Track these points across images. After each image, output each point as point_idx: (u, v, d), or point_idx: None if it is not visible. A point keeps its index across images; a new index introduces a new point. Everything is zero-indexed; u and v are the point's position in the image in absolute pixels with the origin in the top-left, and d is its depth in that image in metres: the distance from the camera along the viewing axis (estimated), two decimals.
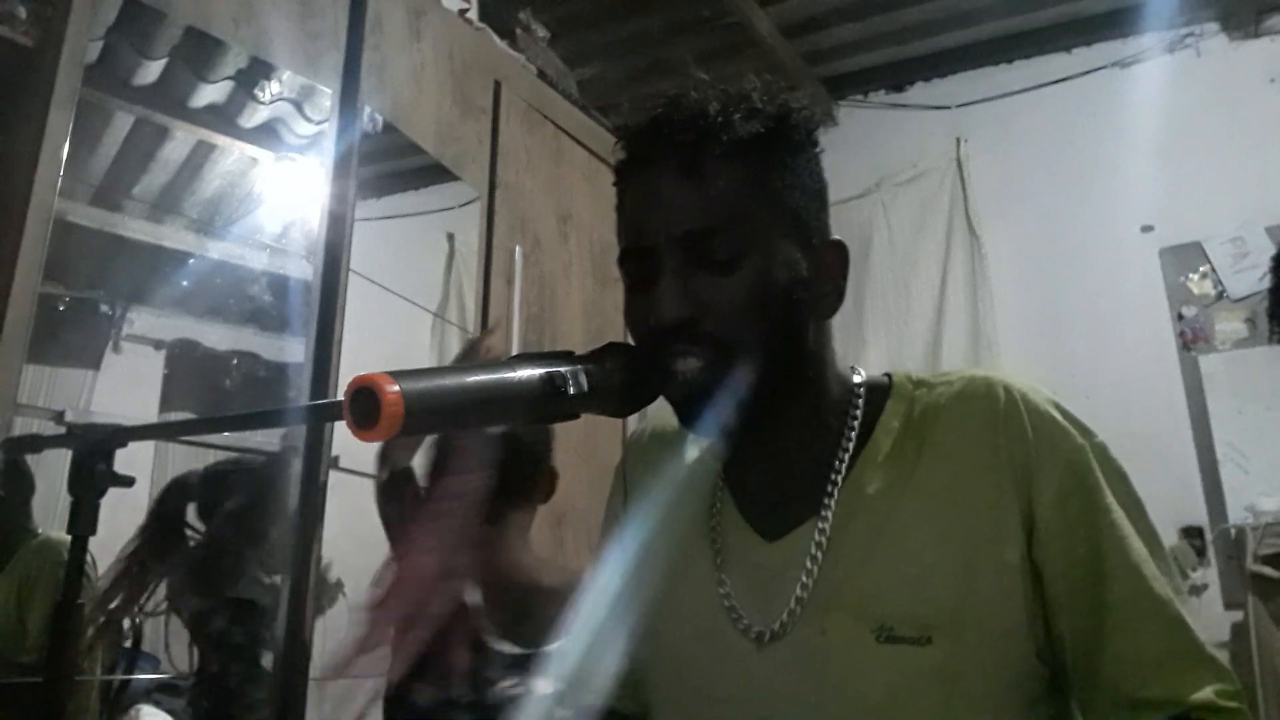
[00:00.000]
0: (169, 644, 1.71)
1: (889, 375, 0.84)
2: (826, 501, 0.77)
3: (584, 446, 2.54)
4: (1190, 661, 0.70)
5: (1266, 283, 2.84)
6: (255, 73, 1.87)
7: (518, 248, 2.41)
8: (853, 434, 0.80)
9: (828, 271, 0.79)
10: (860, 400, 0.81)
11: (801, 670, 0.74)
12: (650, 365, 0.73)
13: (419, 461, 1.43)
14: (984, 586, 0.71)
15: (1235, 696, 0.69)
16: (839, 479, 0.78)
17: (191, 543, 1.70)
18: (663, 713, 0.85)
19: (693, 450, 0.91)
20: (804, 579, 0.75)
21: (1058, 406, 0.77)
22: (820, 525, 0.76)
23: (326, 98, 1.94)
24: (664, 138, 0.75)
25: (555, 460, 1.54)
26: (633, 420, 3.04)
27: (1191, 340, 3.01)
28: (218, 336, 1.95)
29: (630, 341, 0.77)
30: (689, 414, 0.75)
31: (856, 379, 0.83)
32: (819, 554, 0.75)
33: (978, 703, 0.70)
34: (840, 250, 0.80)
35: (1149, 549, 0.72)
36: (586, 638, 0.88)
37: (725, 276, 0.73)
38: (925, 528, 0.74)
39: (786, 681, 0.74)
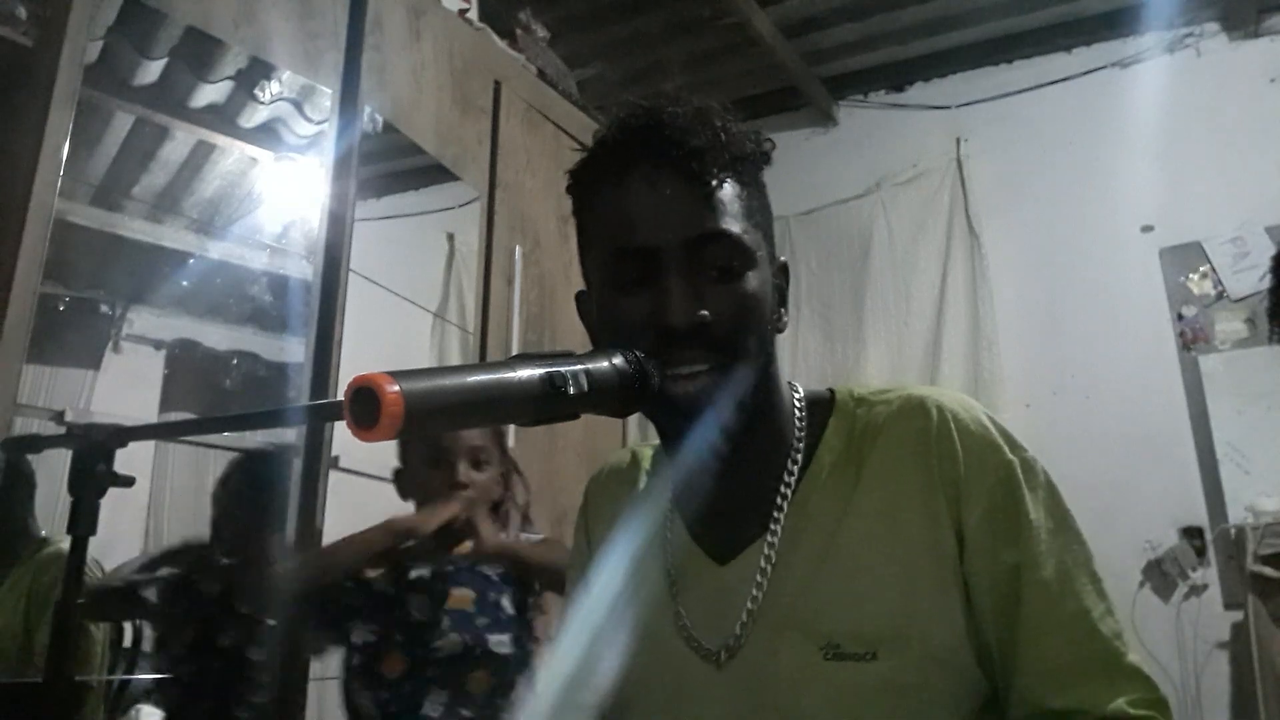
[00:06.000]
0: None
1: (831, 391, 0.85)
2: (776, 516, 0.78)
3: (584, 446, 2.54)
4: (1102, 672, 0.70)
5: (1266, 283, 2.83)
6: (255, 73, 1.87)
7: (518, 248, 2.41)
8: (798, 452, 0.81)
9: (781, 290, 0.83)
10: (803, 415, 0.83)
11: (754, 689, 0.75)
12: (655, 365, 0.72)
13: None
14: (924, 602, 0.72)
15: (1152, 705, 0.69)
16: (789, 493, 0.79)
17: None
18: None
19: (644, 481, 0.92)
20: (755, 594, 0.77)
21: (990, 422, 0.78)
22: (770, 540, 0.78)
23: (326, 98, 1.94)
24: (667, 141, 0.75)
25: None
26: (633, 421, 3.04)
27: (1191, 340, 3.01)
28: (218, 336, 1.96)
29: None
30: (688, 419, 0.75)
31: (797, 394, 0.84)
32: (768, 569, 0.77)
33: (924, 716, 0.72)
34: (786, 269, 0.84)
35: (1070, 562, 0.73)
36: (564, 675, 0.88)
37: (729, 283, 0.74)
38: (867, 547, 0.75)
39: (741, 701, 0.75)
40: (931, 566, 0.73)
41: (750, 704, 0.75)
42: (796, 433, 0.82)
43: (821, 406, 0.84)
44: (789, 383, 0.85)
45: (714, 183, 0.74)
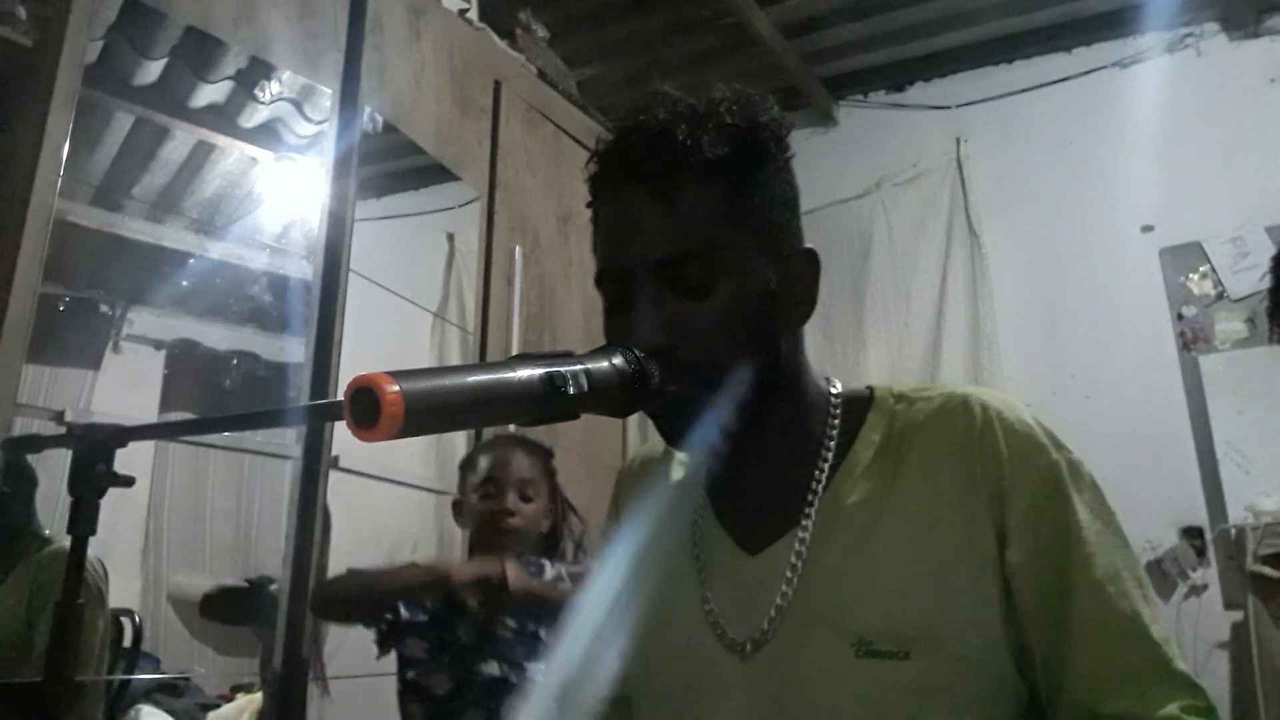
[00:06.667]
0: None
1: (870, 388, 0.84)
2: (807, 511, 0.78)
3: (584, 446, 2.54)
4: (1155, 677, 0.69)
5: (1266, 283, 2.83)
6: (255, 73, 1.87)
7: (518, 248, 2.41)
8: (831, 445, 0.80)
9: (800, 281, 0.79)
10: (838, 411, 0.82)
11: (781, 682, 0.74)
12: (636, 383, 0.72)
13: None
14: (960, 603, 0.71)
15: (1203, 713, 0.68)
16: (819, 489, 0.78)
17: None
18: None
19: (678, 470, 0.92)
20: (784, 589, 0.76)
21: (1034, 422, 0.77)
22: (800, 536, 0.77)
23: (326, 98, 1.94)
24: (632, 160, 0.75)
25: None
26: (633, 421, 3.04)
27: (1191, 340, 3.01)
28: (218, 336, 1.96)
29: None
30: (672, 434, 0.75)
31: (833, 390, 0.83)
32: (799, 564, 0.76)
33: (956, 718, 0.71)
34: (811, 257, 0.80)
35: (1120, 564, 0.72)
36: (578, 656, 0.88)
37: (700, 301, 0.73)
38: (903, 544, 0.74)
39: (768, 692, 0.75)
40: (969, 567, 0.72)
41: (776, 698, 0.74)
42: (829, 430, 0.81)
43: (859, 403, 0.82)
44: (826, 378, 0.84)
45: (678, 200, 0.73)
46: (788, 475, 0.80)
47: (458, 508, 1.77)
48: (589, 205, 0.81)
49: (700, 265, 0.73)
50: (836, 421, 0.81)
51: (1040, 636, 0.72)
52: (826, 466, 0.79)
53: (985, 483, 0.73)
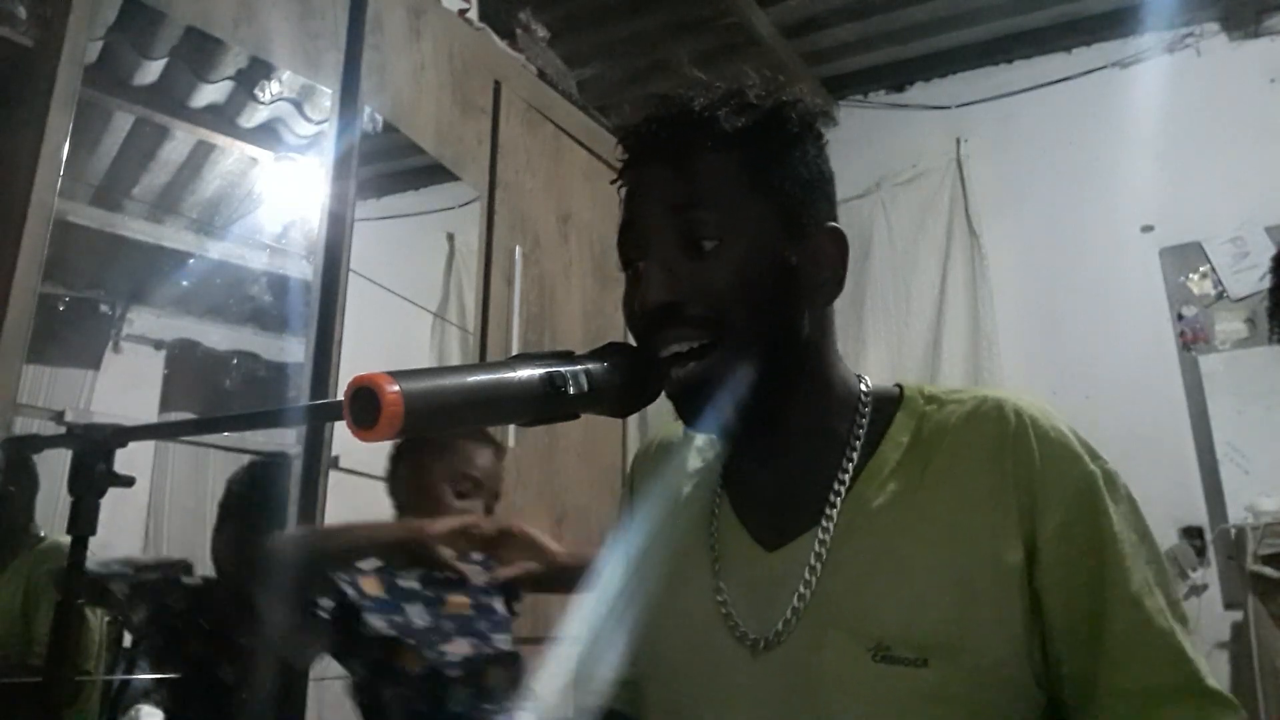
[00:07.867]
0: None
1: (900, 386, 0.83)
2: (828, 512, 0.76)
3: (584, 446, 2.54)
4: (1189, 695, 0.69)
5: (1266, 283, 2.84)
6: (255, 73, 1.87)
7: (518, 248, 2.41)
8: (857, 444, 0.79)
9: (826, 260, 0.79)
10: (867, 409, 0.81)
11: (795, 682, 0.73)
12: (645, 354, 0.73)
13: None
14: (983, 611, 0.70)
15: None
16: (842, 489, 0.77)
17: None
18: (655, 716, 0.84)
19: (695, 459, 0.91)
20: (801, 590, 0.74)
21: (1069, 430, 0.75)
22: (821, 536, 0.76)
23: (326, 98, 1.94)
24: (653, 136, 0.77)
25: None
26: (633, 420, 3.03)
27: (1191, 340, 3.01)
28: (218, 336, 1.95)
29: (628, 336, 0.78)
30: (687, 405, 0.75)
31: (864, 388, 0.82)
32: (818, 565, 0.75)
33: None
34: (837, 237, 0.80)
35: (1154, 579, 0.71)
36: (588, 640, 0.88)
37: (707, 261, 0.74)
38: (927, 549, 0.73)
39: (779, 692, 0.74)
40: (994, 575, 0.70)
41: (788, 699, 0.73)
42: (857, 428, 0.80)
43: (888, 402, 0.81)
44: (858, 376, 0.83)
45: (692, 165, 0.75)
46: (810, 471, 0.79)
47: (410, 470, 1.65)
48: (612, 182, 0.82)
49: (707, 215, 0.74)
50: (865, 420, 0.80)
51: (1071, 650, 0.70)
52: (851, 466, 0.78)
53: (1017, 491, 0.72)
